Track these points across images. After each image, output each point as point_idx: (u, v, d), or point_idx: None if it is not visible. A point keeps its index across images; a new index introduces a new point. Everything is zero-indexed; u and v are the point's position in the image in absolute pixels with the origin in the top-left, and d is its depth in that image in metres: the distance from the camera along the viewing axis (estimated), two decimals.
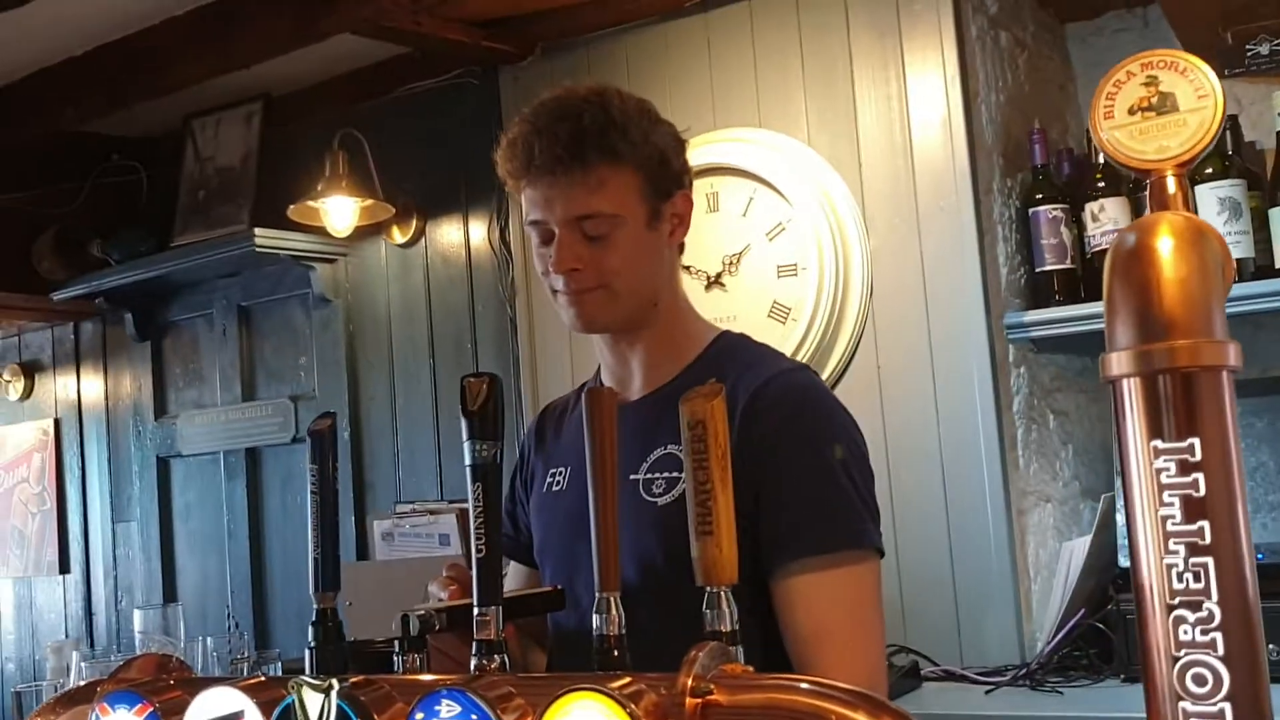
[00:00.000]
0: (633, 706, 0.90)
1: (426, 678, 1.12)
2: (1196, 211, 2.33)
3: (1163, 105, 0.99)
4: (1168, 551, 0.76)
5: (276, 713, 1.05)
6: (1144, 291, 0.80)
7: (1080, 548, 2.27)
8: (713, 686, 0.93)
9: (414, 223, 3.14)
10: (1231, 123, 2.38)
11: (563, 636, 1.67)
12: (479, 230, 3.08)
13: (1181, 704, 0.75)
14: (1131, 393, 0.79)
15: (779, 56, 2.58)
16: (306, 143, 3.11)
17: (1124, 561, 2.24)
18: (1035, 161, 2.48)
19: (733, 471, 1.45)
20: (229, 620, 2.69)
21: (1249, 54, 2.31)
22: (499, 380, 1.13)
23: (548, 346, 2.87)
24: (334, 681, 1.03)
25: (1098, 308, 2.37)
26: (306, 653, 1.27)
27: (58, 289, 3.46)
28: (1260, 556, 2.07)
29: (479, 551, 1.15)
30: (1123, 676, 2.16)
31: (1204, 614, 0.74)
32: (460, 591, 1.49)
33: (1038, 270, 2.45)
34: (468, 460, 1.14)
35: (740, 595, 1.27)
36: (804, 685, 0.94)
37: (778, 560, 1.43)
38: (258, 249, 3.05)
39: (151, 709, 1.13)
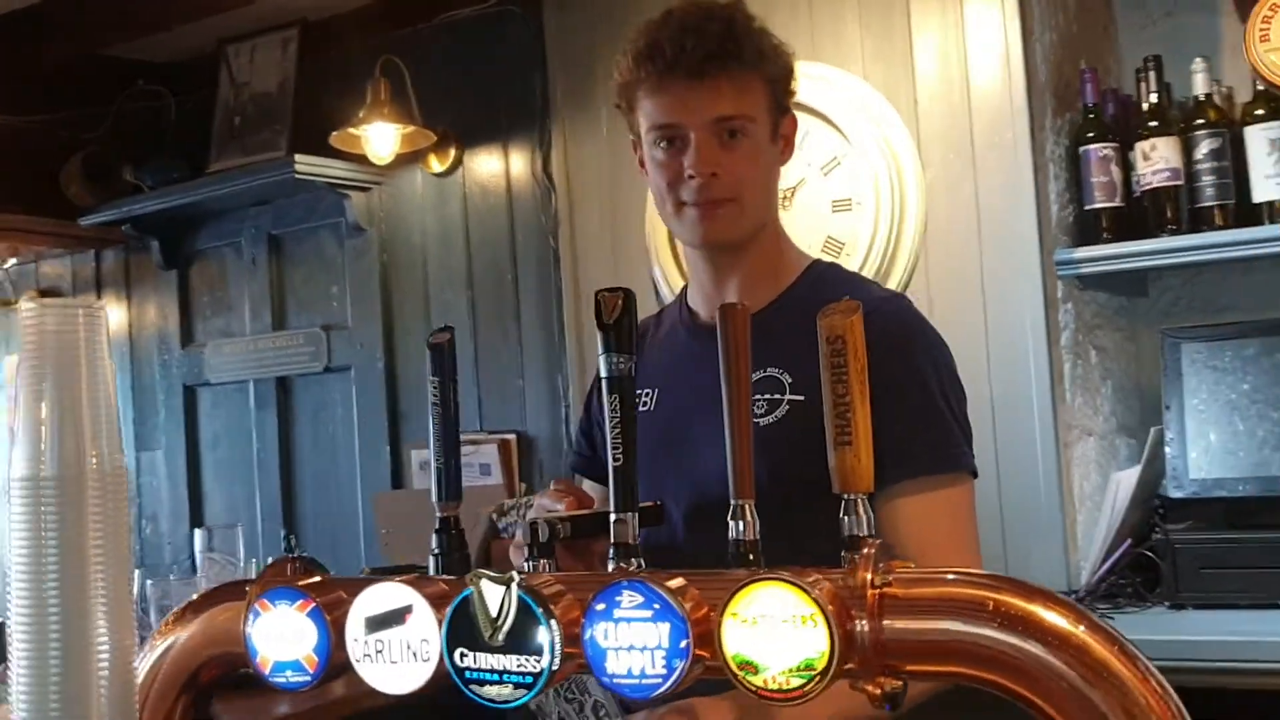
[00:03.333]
0: (818, 592, 0.94)
1: (590, 574, 1.15)
2: (1246, 151, 2.39)
3: None
4: None
5: (454, 604, 1.07)
6: None
7: (1128, 479, 2.34)
8: (891, 579, 0.97)
9: (452, 152, 3.15)
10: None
11: (652, 550, 1.72)
12: (519, 161, 3.09)
13: None
14: None
15: None
16: (344, 70, 3.10)
17: (1174, 492, 2.31)
18: (1086, 100, 2.51)
19: None
20: (285, 540, 2.72)
21: None
22: (633, 295, 1.16)
23: (591, 276, 2.89)
24: (514, 574, 1.06)
25: (1145, 245, 2.43)
26: (431, 560, 1.29)
27: (85, 214, 3.44)
28: None
29: (616, 460, 1.17)
30: (1169, 603, 2.24)
31: None
32: (575, 503, 1.53)
33: (1086, 208, 2.50)
34: (604, 373, 1.17)
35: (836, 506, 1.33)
36: (977, 577, 0.98)
37: (881, 481, 1.48)
38: (298, 175, 3.04)
39: (314, 604, 1.16)
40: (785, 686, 0.94)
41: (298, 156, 3.05)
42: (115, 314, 3.81)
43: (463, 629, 1.05)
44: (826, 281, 1.60)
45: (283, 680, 1.16)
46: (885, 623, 0.94)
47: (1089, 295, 2.58)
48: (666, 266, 2.72)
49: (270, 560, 1.29)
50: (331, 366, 3.35)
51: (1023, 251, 2.39)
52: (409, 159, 3.15)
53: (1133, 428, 2.69)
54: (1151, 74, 2.47)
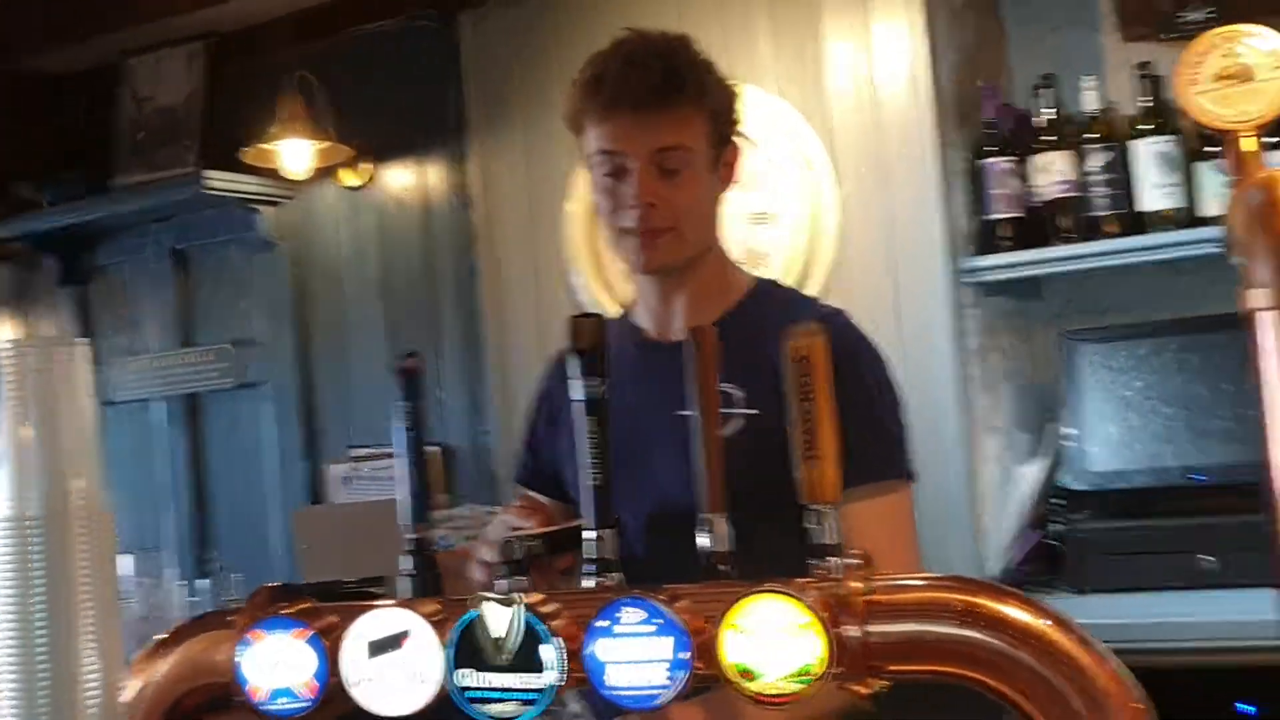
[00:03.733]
0: (813, 602, 1.01)
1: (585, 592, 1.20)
2: (1134, 164, 2.55)
3: (1242, 74, 1.14)
4: None
5: (459, 627, 1.11)
6: None
7: (1031, 473, 2.48)
8: (876, 586, 1.05)
9: (366, 166, 3.14)
10: (1161, 83, 2.58)
11: None
12: (435, 175, 3.10)
13: None
14: (1270, 322, 0.94)
15: (747, 9, 2.68)
16: (254, 84, 3.08)
17: (1074, 484, 2.46)
18: (987, 115, 2.65)
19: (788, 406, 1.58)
20: (211, 563, 2.69)
21: (1182, 20, 2.53)
22: (605, 320, 1.22)
23: (510, 289, 2.93)
24: (519, 595, 1.11)
25: (1044, 253, 2.58)
26: (403, 581, 1.32)
27: None
28: (1200, 478, 2.32)
29: (595, 479, 1.23)
30: (1072, 589, 2.38)
31: None
32: (544, 520, 1.58)
33: (987, 218, 2.64)
34: (580, 396, 1.22)
35: (783, 517, 1.41)
36: (952, 581, 1.07)
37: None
38: (208, 191, 3.01)
39: (312, 632, 1.18)
40: (782, 691, 1.00)
41: (208, 172, 3.01)
42: (6, 334, 3.70)
43: (466, 650, 1.10)
44: (771, 299, 1.67)
45: (278, 708, 1.18)
46: (871, 627, 1.01)
47: (990, 300, 2.72)
48: (587, 277, 2.78)
49: (258, 588, 1.31)
50: (244, 383, 3.32)
51: (932, 261, 2.51)
52: (322, 174, 3.14)
53: (1029, 423, 2.85)
54: (1047, 91, 2.62)
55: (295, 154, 2.96)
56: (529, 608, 1.09)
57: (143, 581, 2.30)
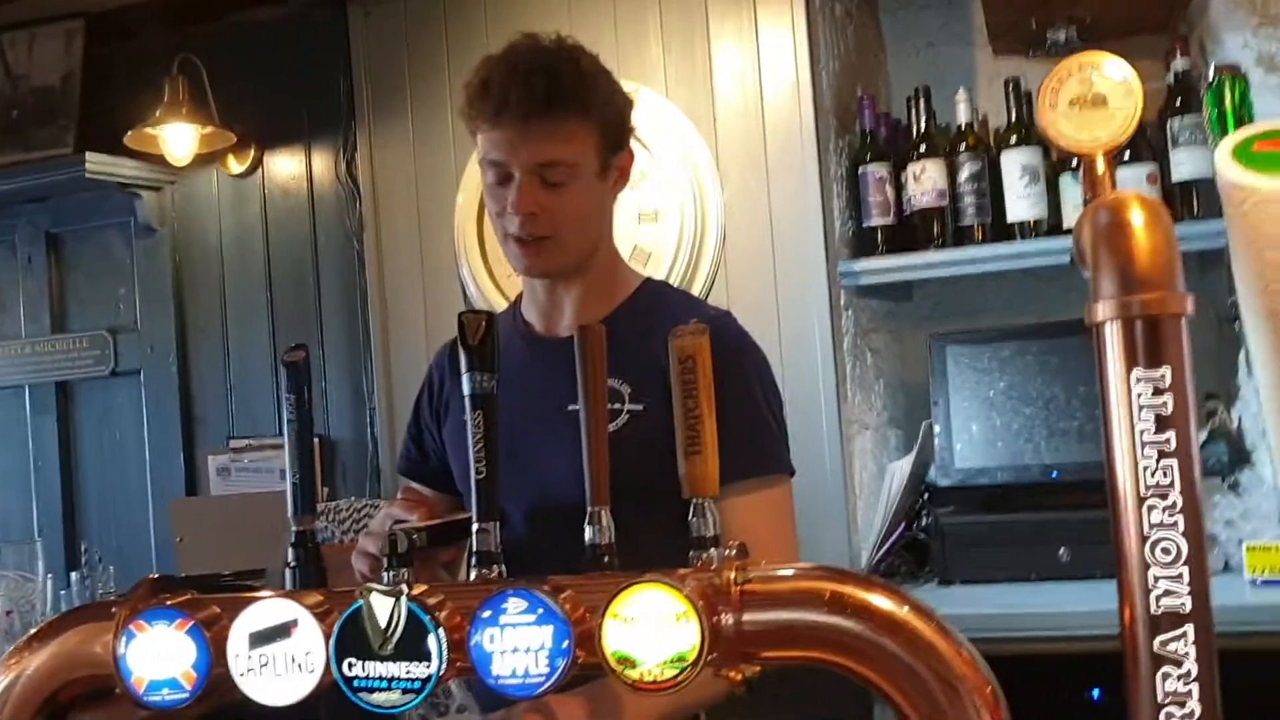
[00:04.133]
0: (690, 591, 1.06)
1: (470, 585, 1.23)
2: (1001, 174, 2.67)
3: (1096, 100, 1.22)
4: (1143, 455, 0.99)
5: (344, 617, 1.14)
6: (1125, 255, 1.02)
7: (901, 468, 2.58)
8: (751, 576, 1.11)
9: (251, 153, 3.11)
10: (1028, 98, 2.71)
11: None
12: (322, 163, 3.08)
13: (1151, 570, 0.98)
14: (1114, 333, 1.01)
15: (638, 12, 2.73)
16: (135, 65, 3.02)
17: (941, 480, 2.57)
18: (864, 125, 2.75)
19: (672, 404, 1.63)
20: (85, 554, 2.63)
21: (1048, 39, 2.66)
22: (495, 317, 1.26)
23: (397, 279, 2.93)
24: (404, 586, 1.13)
25: (915, 258, 2.68)
26: (287, 573, 1.33)
27: None
28: (1054, 475, 2.44)
29: (479, 473, 1.25)
30: (938, 580, 2.49)
31: (1170, 502, 0.98)
32: (427, 513, 1.60)
33: (864, 224, 2.73)
34: (468, 390, 1.25)
35: (667, 509, 1.46)
36: (821, 571, 1.13)
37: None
38: (88, 174, 2.94)
39: (193, 623, 1.19)
40: (660, 678, 1.05)
41: (88, 155, 2.94)
42: None
43: (351, 640, 1.12)
44: (659, 298, 1.71)
45: (159, 699, 1.18)
46: (746, 616, 1.07)
47: (864, 302, 2.82)
48: (475, 268, 2.79)
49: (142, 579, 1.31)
50: (119, 370, 3.25)
51: (811, 263, 2.59)
52: (205, 159, 3.09)
53: (901, 421, 2.96)
54: (921, 102, 2.73)
55: (179, 139, 2.91)
56: (413, 598, 1.12)
57: (5, 575, 2.24)
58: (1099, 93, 1.21)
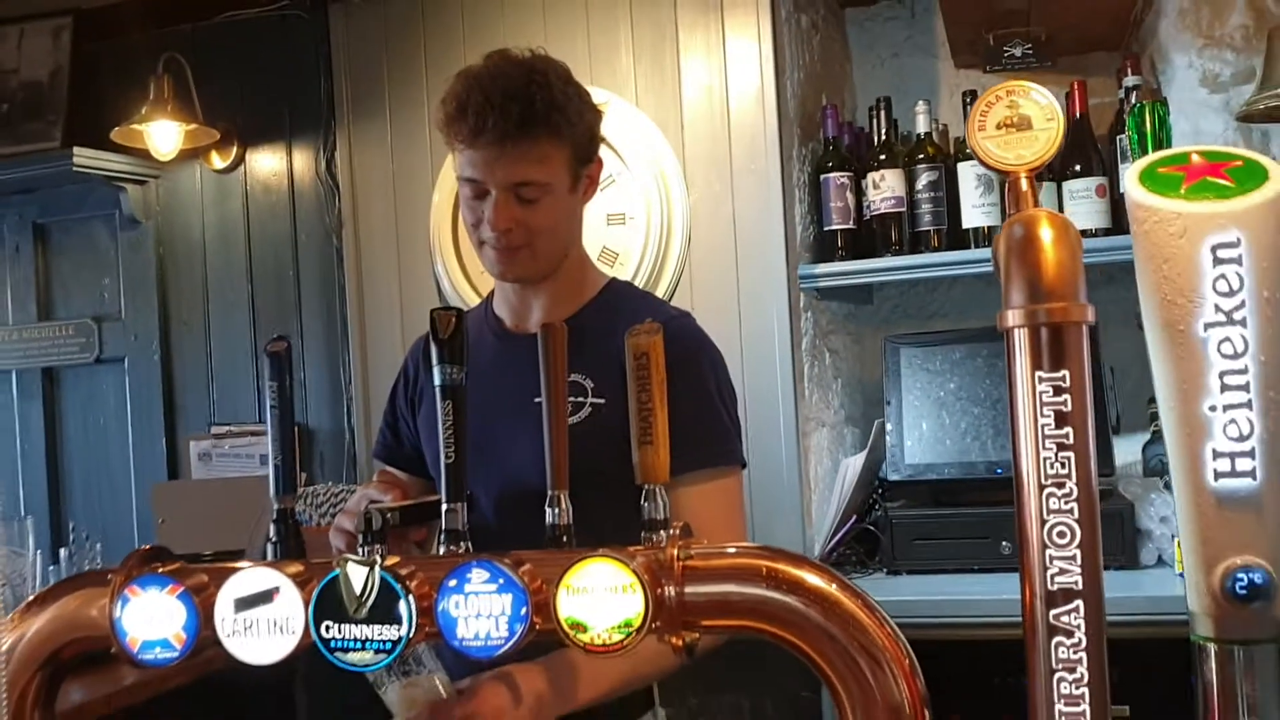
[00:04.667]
0: (636, 565, 1.17)
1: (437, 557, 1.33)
2: (958, 184, 2.79)
3: (1021, 124, 1.33)
4: (1044, 448, 1.10)
5: (321, 584, 1.24)
6: (1034, 268, 1.13)
7: (855, 464, 2.70)
8: (693, 552, 1.22)
9: (234, 150, 3.19)
10: None
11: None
12: (302, 161, 3.17)
13: (1048, 551, 1.10)
14: (1022, 338, 1.13)
15: (610, 22, 2.84)
16: (121, 62, 3.10)
17: (892, 475, 2.69)
18: (827, 134, 2.86)
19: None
20: (73, 532, 2.71)
21: (1005, 54, 2.77)
22: (464, 313, 1.36)
23: (375, 274, 3.03)
24: (377, 557, 1.24)
25: (873, 263, 2.80)
26: (269, 547, 1.43)
27: None
28: (999, 471, 2.56)
29: (449, 457, 1.36)
30: (886, 570, 2.61)
31: (1066, 490, 1.09)
32: (401, 494, 1.70)
33: (825, 229, 2.85)
34: (439, 381, 1.35)
35: (626, 495, 1.57)
36: (757, 550, 1.24)
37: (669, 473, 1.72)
38: (75, 168, 3.02)
39: (183, 588, 1.29)
40: (608, 641, 1.16)
41: (76, 150, 3.02)
42: None
43: (329, 605, 1.22)
44: (623, 298, 1.81)
45: (151, 657, 1.29)
46: (687, 588, 1.18)
47: (824, 304, 2.94)
48: (449, 265, 2.89)
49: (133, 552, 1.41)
50: (103, 358, 3.33)
51: (772, 266, 2.70)
52: (189, 155, 3.18)
53: (857, 419, 3.08)
54: (882, 112, 2.85)
55: (164, 136, 2.99)
56: (385, 568, 1.23)
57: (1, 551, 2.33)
58: (1024, 116, 1.33)
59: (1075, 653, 1.08)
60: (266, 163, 3.23)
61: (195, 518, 3.01)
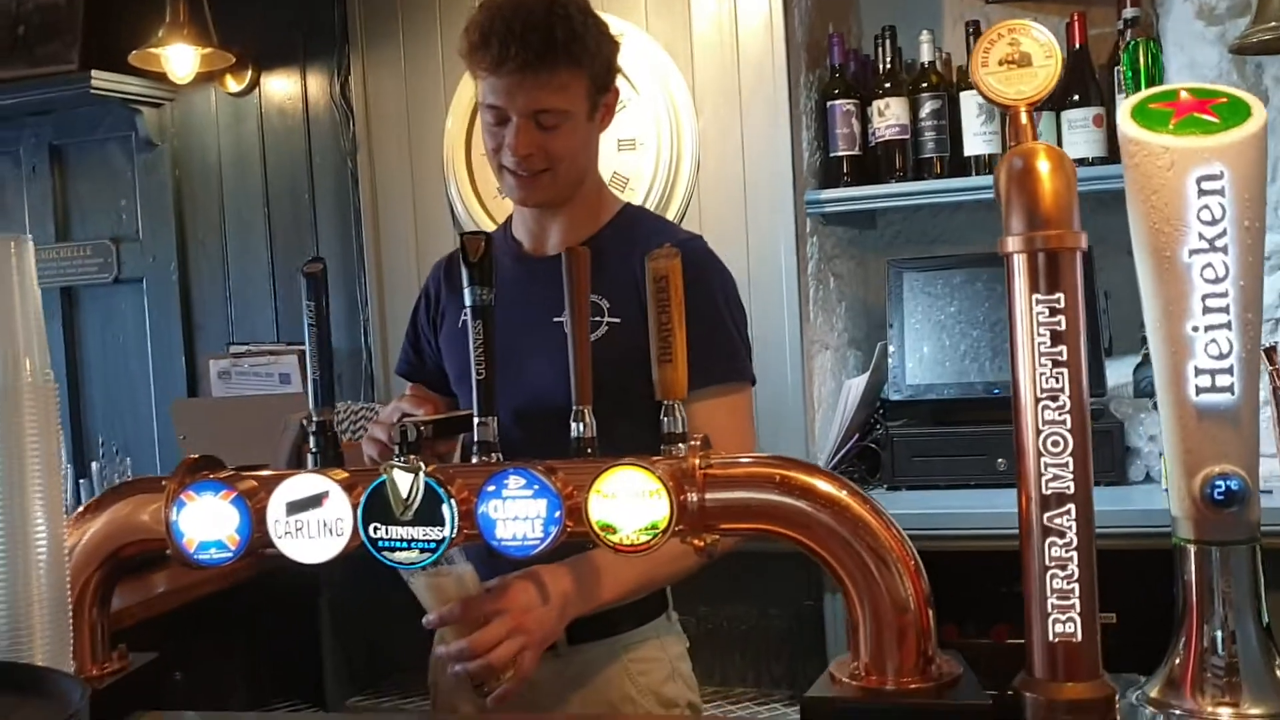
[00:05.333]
0: (662, 473, 1.27)
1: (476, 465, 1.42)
2: (960, 112, 2.85)
3: (1022, 60, 1.40)
4: (1039, 364, 1.20)
5: (370, 489, 1.34)
6: (1032, 197, 1.22)
7: (857, 385, 2.79)
8: (713, 461, 1.31)
9: (248, 73, 3.24)
10: None
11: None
12: (317, 84, 3.22)
13: (1042, 459, 1.20)
14: (1020, 263, 1.21)
15: None
16: None
17: (894, 395, 2.79)
18: (833, 61, 2.91)
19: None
20: (102, 447, 2.81)
21: None
22: (492, 237, 1.44)
23: (389, 196, 3.09)
24: (422, 464, 1.33)
25: (878, 189, 2.87)
26: (310, 458, 1.52)
27: None
28: (996, 391, 2.66)
29: (480, 374, 1.44)
30: (887, 485, 2.72)
31: (1060, 403, 1.18)
32: (433, 409, 1.79)
33: (831, 155, 2.91)
34: (469, 302, 1.43)
35: (638, 409, 1.67)
36: (773, 459, 1.34)
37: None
38: (94, 91, 3.07)
39: (236, 493, 1.39)
40: (636, 542, 1.26)
41: (94, 72, 3.07)
42: None
43: (376, 508, 1.33)
44: (637, 222, 1.89)
45: (206, 557, 1.39)
46: (708, 495, 1.28)
47: (829, 229, 3.01)
48: (463, 188, 2.96)
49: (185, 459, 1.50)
50: (121, 278, 3.41)
51: (779, 191, 2.77)
52: (204, 78, 3.22)
53: (860, 341, 3.17)
54: (887, 41, 2.89)
55: (181, 59, 3.04)
56: (429, 473, 1.33)
57: None
58: (1025, 53, 1.40)
59: (1067, 551, 1.18)
60: (281, 86, 3.28)
61: (216, 434, 3.11)
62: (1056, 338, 1.19)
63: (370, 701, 2.91)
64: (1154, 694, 1.31)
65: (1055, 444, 1.19)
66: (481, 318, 1.46)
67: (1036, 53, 1.39)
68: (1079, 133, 2.73)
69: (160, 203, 3.38)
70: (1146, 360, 2.80)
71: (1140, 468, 2.64)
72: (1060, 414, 1.19)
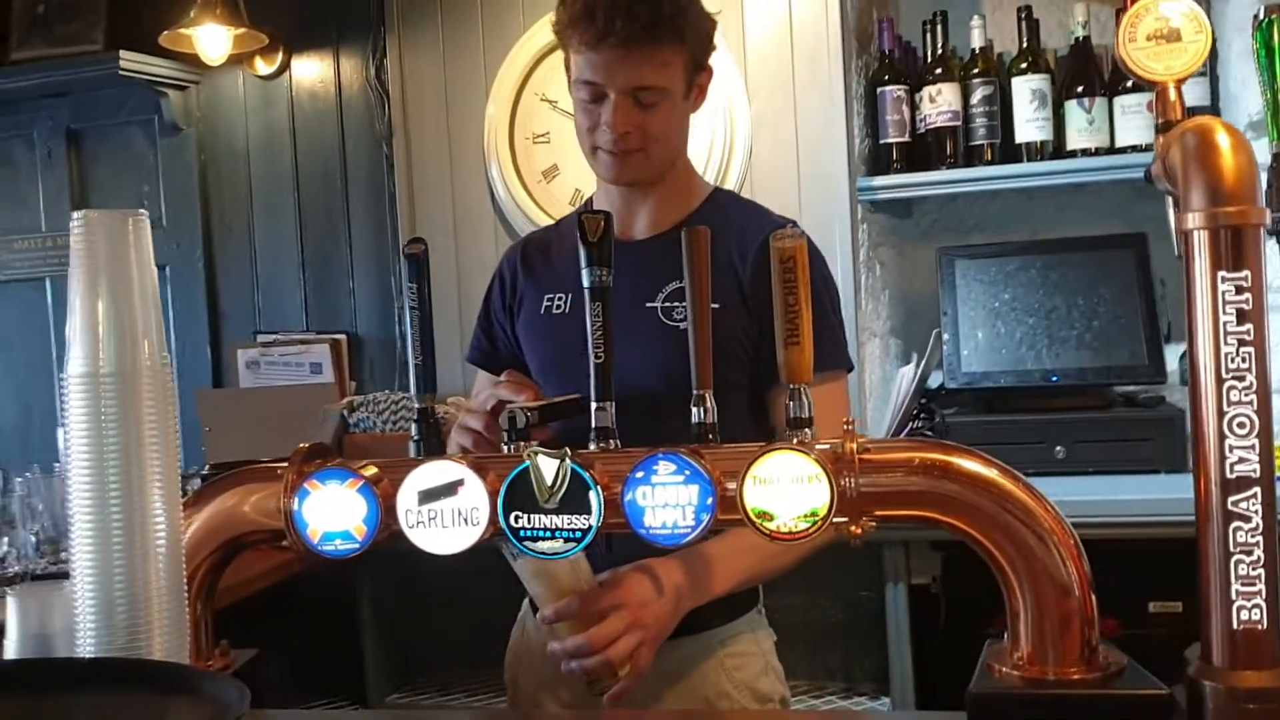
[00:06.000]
0: (821, 457, 1.22)
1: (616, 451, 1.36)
2: (1012, 100, 2.82)
3: (1172, 35, 1.37)
4: (1225, 344, 1.16)
5: (511, 476, 1.28)
6: (1215, 172, 1.18)
7: (909, 373, 2.76)
8: (869, 445, 1.27)
9: (279, 55, 3.16)
10: (1037, 26, 2.85)
11: (573, 433, 1.94)
12: (350, 67, 3.14)
13: (1226, 441, 1.16)
14: (1202, 240, 1.18)
15: None
16: None
17: (949, 383, 2.76)
18: (882, 46, 2.88)
19: (751, 303, 1.77)
20: None
21: None
22: (612, 217, 1.39)
23: (427, 182, 3.02)
24: (568, 449, 1.28)
25: (928, 176, 2.84)
26: (411, 446, 1.46)
27: None
28: (1054, 379, 2.64)
29: (598, 358, 1.39)
30: None
31: (1247, 384, 1.15)
32: (534, 395, 1.73)
33: (880, 142, 2.88)
34: (588, 284, 1.38)
35: (734, 398, 1.61)
36: (927, 443, 1.30)
37: (777, 377, 1.76)
38: (121, 72, 2.98)
39: (364, 481, 1.33)
40: (794, 530, 1.21)
41: (123, 53, 2.98)
42: None
43: (518, 496, 1.27)
44: (728, 206, 1.85)
45: (332, 548, 1.33)
46: (864, 480, 1.23)
47: (875, 217, 2.98)
48: (505, 168, 2.90)
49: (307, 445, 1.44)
50: None
51: (834, 178, 2.74)
52: (233, 60, 3.14)
53: (899, 330, 3.15)
54: (938, 27, 2.86)
55: (213, 40, 2.95)
56: (576, 459, 1.27)
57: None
58: (1174, 28, 1.37)
59: (1253, 536, 1.15)
60: (312, 69, 3.20)
61: (242, 426, 3.03)
62: (1243, 316, 1.16)
63: (409, 699, 2.85)
64: None
65: (1241, 426, 1.15)
66: (601, 299, 1.41)
67: (1186, 27, 1.35)
68: (1132, 118, 2.71)
69: (185, 188, 3.29)
70: None
71: None
72: (1247, 394, 1.15)
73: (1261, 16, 2.50)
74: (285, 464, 1.41)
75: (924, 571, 2.53)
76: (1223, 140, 1.20)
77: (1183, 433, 2.59)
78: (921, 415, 2.80)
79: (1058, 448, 2.59)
